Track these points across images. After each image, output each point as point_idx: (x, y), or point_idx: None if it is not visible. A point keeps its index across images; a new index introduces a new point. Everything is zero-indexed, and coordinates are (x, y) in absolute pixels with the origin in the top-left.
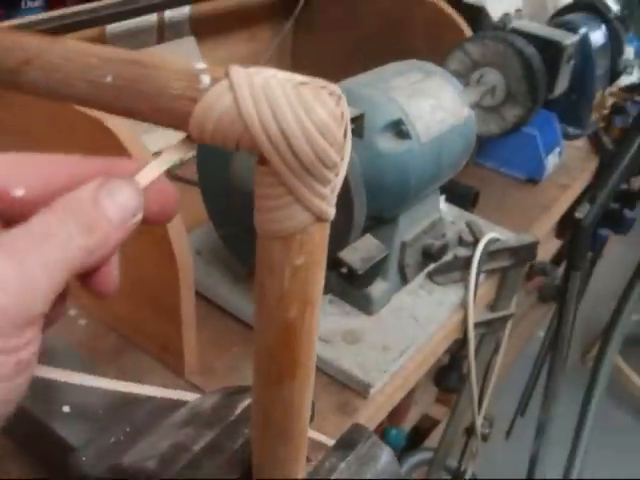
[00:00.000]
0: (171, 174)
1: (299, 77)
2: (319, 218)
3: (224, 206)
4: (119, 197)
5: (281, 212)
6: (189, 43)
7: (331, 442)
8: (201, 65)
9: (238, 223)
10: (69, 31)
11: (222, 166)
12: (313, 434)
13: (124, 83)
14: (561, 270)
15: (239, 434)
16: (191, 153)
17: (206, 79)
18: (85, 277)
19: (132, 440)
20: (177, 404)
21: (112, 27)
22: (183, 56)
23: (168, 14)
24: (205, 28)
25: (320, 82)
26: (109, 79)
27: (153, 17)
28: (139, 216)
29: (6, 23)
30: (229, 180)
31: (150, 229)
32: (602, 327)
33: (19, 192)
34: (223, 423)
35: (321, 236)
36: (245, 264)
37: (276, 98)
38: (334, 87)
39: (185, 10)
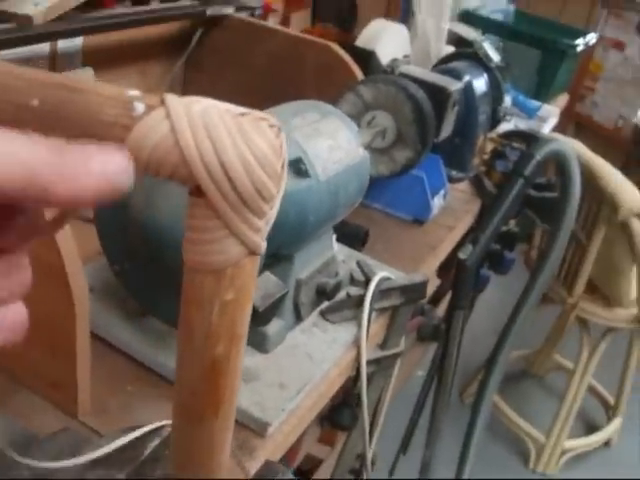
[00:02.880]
0: None
1: (238, 108)
2: (252, 252)
3: (120, 241)
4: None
5: (214, 245)
6: (87, 74)
7: None
8: (134, 91)
9: (135, 259)
10: None
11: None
12: None
13: (51, 108)
14: (439, 310)
15: (150, 474)
16: None
17: (140, 106)
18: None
19: None
20: (79, 445)
21: (3, 54)
22: None
23: (61, 44)
24: (97, 60)
25: (259, 113)
26: (35, 102)
27: (46, 47)
28: (126, 182)
29: None
30: (127, 214)
31: (46, 261)
32: (477, 364)
33: None
34: (133, 463)
35: (251, 270)
36: (140, 302)
37: (215, 129)
38: (273, 119)
39: (77, 41)
